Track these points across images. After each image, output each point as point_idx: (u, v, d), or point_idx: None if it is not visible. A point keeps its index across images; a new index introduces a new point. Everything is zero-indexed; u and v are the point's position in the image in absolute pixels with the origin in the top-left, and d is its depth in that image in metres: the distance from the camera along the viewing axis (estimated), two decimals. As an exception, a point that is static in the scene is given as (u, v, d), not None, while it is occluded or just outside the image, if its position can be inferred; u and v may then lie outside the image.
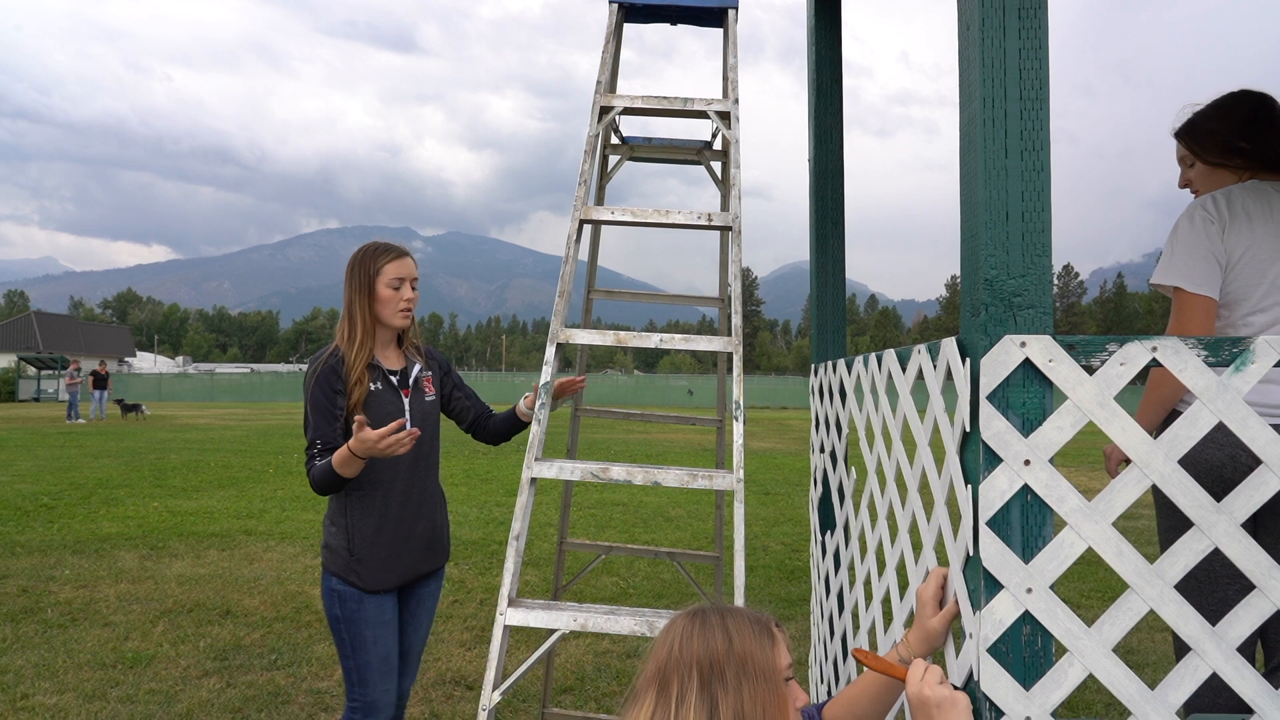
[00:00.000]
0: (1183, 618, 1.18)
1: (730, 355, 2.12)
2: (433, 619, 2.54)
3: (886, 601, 1.75)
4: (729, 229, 2.23)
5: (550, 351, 2.16)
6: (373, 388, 2.30)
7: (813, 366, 2.67)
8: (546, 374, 2.15)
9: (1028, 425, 1.19)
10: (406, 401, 2.36)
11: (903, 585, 1.62)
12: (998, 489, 1.19)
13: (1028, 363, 1.19)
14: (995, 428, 1.19)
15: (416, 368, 2.44)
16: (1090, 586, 5.92)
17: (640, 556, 4.87)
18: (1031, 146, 1.22)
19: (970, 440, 1.23)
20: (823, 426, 2.50)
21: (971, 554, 1.21)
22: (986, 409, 1.19)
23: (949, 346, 1.30)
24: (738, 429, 2.05)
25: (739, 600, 1.93)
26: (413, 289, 2.38)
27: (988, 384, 1.19)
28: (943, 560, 1.42)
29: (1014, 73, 1.22)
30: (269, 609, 5.18)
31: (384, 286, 2.33)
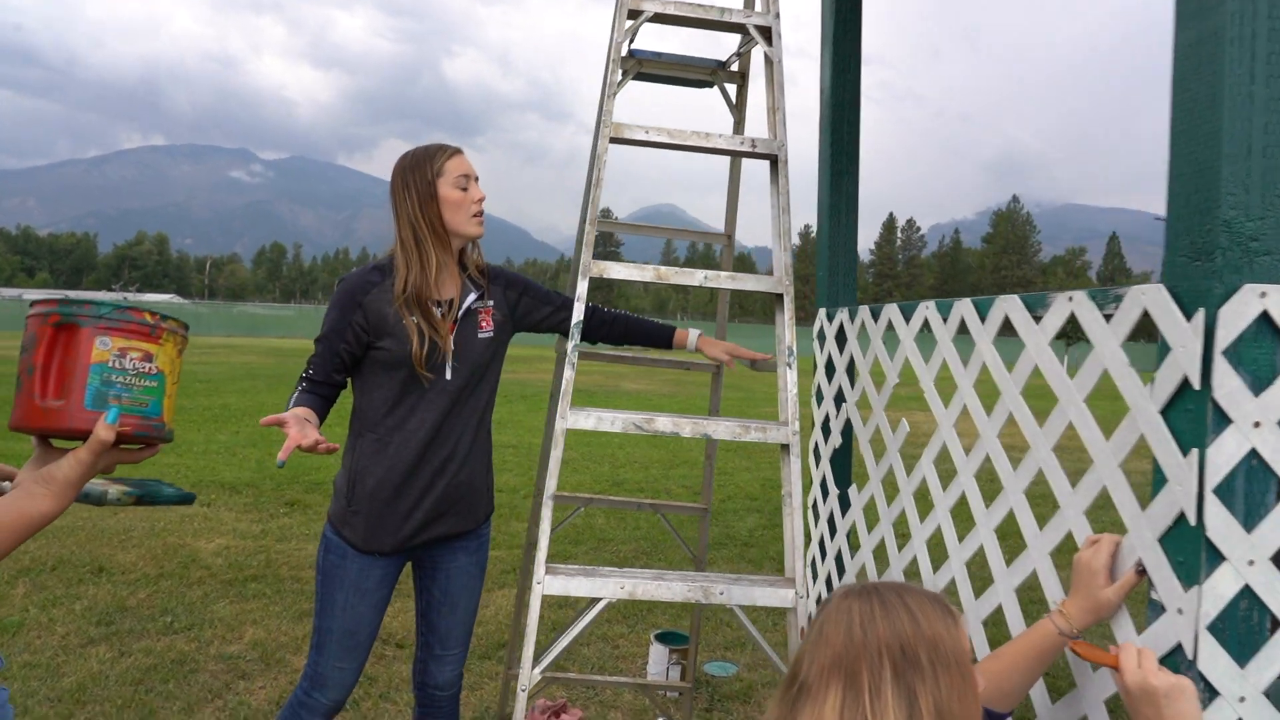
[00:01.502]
0: (1388, 587, 1.12)
1: (782, 296, 1.93)
2: (476, 601, 2.18)
3: (978, 563, 1.65)
4: (774, 157, 2.02)
5: (582, 286, 1.90)
6: (408, 322, 1.94)
7: (823, 311, 2.53)
8: (579, 311, 1.89)
9: (1258, 384, 1.08)
10: (450, 339, 1.99)
11: (1010, 550, 1.51)
12: (1225, 453, 1.08)
13: (1264, 315, 1.08)
14: (1229, 386, 1.07)
15: (471, 297, 2.03)
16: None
17: (620, 509, 4.50)
18: (1279, 74, 1.08)
19: (1186, 399, 1.11)
20: (840, 375, 2.38)
21: (1194, 523, 1.09)
22: (1222, 365, 1.07)
23: (1155, 294, 1.17)
24: (790, 377, 1.88)
25: (794, 564, 1.79)
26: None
27: (1224, 337, 1.07)
28: (1102, 528, 1.32)
29: (1266, -13, 1.08)
30: (149, 564, 4.65)
31: (450, 187, 1.96)
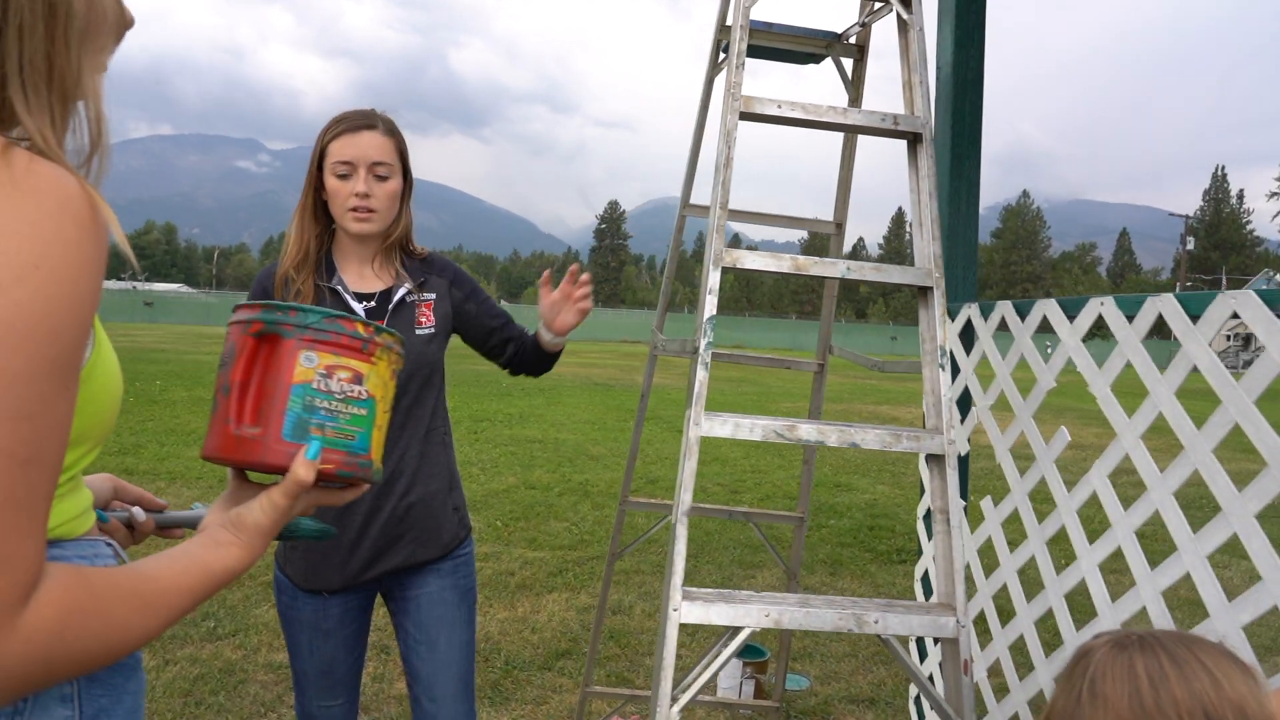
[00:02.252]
0: None
1: (930, 290, 1.74)
2: (463, 637, 1.85)
3: (1184, 595, 1.46)
4: (917, 135, 1.83)
5: (714, 278, 1.71)
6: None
7: (942, 306, 2.33)
8: (711, 306, 1.70)
9: None
10: None
11: (1243, 568, 1.33)
12: None
13: None
14: None
15: (402, 290, 1.78)
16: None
17: (707, 516, 4.23)
18: None
19: None
20: (967, 376, 2.18)
21: None
22: None
23: None
24: (943, 379, 1.69)
25: (955, 590, 1.60)
26: (378, 177, 1.72)
27: None
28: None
29: None
30: (185, 565, 4.48)
31: (329, 174, 1.73)
